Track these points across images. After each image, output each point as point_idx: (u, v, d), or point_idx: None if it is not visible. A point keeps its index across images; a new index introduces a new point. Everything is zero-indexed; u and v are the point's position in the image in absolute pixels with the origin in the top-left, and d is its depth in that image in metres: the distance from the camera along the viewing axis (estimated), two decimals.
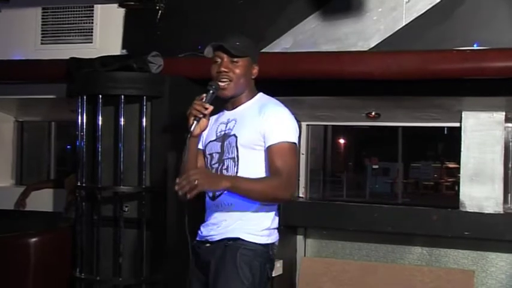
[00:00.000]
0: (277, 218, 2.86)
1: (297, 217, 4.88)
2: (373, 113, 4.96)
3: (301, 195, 5.32)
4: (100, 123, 4.00)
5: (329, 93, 4.48)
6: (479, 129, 4.63)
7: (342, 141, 15.08)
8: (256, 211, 2.77)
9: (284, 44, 4.40)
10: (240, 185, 2.64)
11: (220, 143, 2.84)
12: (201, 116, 2.75)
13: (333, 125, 5.81)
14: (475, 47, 3.98)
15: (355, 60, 4.19)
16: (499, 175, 4.61)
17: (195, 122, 2.75)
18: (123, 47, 4.78)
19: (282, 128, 2.75)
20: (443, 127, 5.78)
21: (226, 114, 2.90)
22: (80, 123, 4.10)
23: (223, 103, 2.90)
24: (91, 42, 4.85)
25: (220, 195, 2.78)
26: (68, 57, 4.49)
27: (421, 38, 4.10)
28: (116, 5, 4.80)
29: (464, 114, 4.65)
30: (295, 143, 2.77)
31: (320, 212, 4.99)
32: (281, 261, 4.73)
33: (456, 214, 4.61)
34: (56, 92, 4.94)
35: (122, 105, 3.97)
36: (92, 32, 4.86)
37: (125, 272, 3.97)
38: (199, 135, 2.85)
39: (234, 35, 2.88)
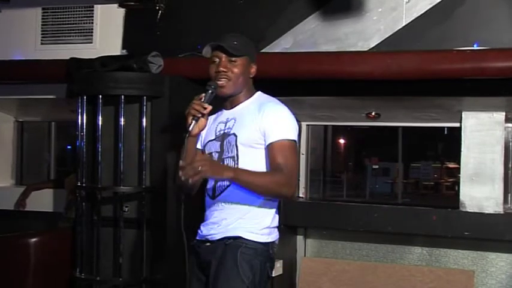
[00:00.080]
0: (277, 217, 2.87)
1: (297, 217, 4.88)
2: (373, 113, 4.95)
3: (301, 195, 5.31)
4: (100, 123, 4.01)
5: (329, 93, 4.47)
6: (479, 129, 4.62)
7: (342, 141, 15.07)
8: (257, 209, 2.77)
9: (284, 44, 4.40)
10: (243, 177, 2.64)
11: (219, 142, 2.84)
12: (200, 115, 2.75)
13: (333, 125, 5.81)
14: (475, 47, 3.98)
15: (355, 60, 4.18)
16: (499, 175, 4.60)
17: (194, 121, 2.75)
18: (123, 47, 4.78)
19: (282, 125, 2.75)
20: (443, 127, 5.77)
21: (225, 114, 2.90)
22: (80, 123, 4.10)
23: (221, 102, 2.90)
24: (91, 43, 4.85)
25: (220, 194, 2.79)
26: (68, 58, 4.49)
27: (421, 38, 4.09)
28: (116, 5, 4.80)
29: (464, 114, 4.64)
30: (295, 141, 2.77)
31: (320, 212, 4.99)
32: (281, 261, 4.72)
33: (456, 214, 4.60)
34: (56, 92, 4.93)
35: (122, 105, 3.97)
36: (92, 32, 4.85)
37: (125, 272, 3.97)
38: (197, 135, 2.85)
39: (232, 34, 2.88)
